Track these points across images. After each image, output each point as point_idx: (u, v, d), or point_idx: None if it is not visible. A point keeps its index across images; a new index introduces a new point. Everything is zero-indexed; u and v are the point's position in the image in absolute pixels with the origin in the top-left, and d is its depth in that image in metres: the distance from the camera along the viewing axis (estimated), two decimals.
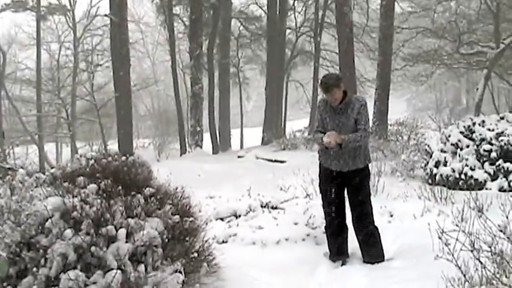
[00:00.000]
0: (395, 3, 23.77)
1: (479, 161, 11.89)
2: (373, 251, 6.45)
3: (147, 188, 5.14)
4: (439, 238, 4.58)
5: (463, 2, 28.41)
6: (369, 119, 6.44)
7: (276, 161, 20.51)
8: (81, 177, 5.17)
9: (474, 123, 12.52)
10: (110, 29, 26.56)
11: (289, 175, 14.39)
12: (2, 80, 28.00)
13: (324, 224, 6.89)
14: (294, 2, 34.72)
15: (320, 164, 6.73)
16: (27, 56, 39.31)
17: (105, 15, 27.68)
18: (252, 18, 36.10)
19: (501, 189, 11.07)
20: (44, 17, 33.03)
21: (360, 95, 6.96)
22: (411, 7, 30.03)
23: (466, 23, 27.13)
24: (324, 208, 6.75)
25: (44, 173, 5.66)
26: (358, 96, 6.69)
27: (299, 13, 35.78)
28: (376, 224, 6.54)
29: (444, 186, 11.17)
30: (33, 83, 32.86)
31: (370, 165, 6.65)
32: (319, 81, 6.41)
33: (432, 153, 12.96)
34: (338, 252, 6.67)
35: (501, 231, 4.28)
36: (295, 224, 7.91)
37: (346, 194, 6.61)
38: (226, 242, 7.60)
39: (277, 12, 30.99)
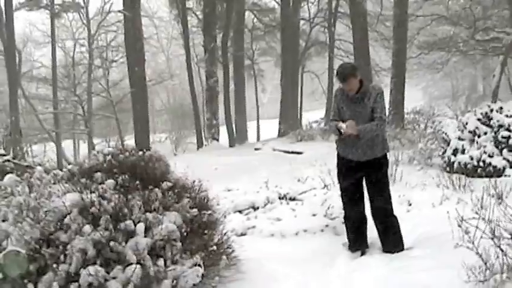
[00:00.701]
0: None
1: (497, 147, 11.79)
2: (392, 241, 6.42)
3: (165, 182, 5.14)
4: (459, 226, 4.56)
5: None
6: (385, 108, 6.39)
7: (292, 152, 20.48)
8: (99, 173, 5.18)
9: (492, 110, 12.42)
10: (123, 24, 26.61)
11: (306, 166, 14.39)
12: (19, 78, 28.14)
13: (343, 215, 6.86)
14: None
15: (338, 154, 6.69)
16: (42, 54, 39.56)
17: (119, 11, 27.76)
18: (265, 10, 36.03)
19: None
20: (58, 15, 33.23)
21: (376, 84, 6.88)
22: None
23: (481, 9, 26.90)
24: (342, 199, 6.73)
25: (61, 170, 5.68)
26: (374, 85, 6.65)
27: (312, 3, 35.68)
28: (394, 213, 6.50)
29: (462, 174, 11.10)
30: (49, 80, 33.09)
31: (388, 154, 6.61)
32: (336, 71, 6.37)
33: (450, 141, 12.88)
34: (357, 243, 6.64)
35: None
36: (314, 215, 7.89)
37: (364, 184, 6.57)
38: (244, 234, 7.59)
39: (291, 4, 30.87)
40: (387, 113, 22.04)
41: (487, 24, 26.55)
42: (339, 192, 6.79)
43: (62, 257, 4.21)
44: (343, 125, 6.19)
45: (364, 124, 6.22)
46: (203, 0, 29.60)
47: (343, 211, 6.85)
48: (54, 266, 4.15)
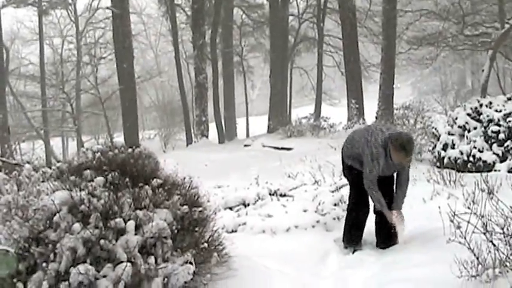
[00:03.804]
0: None
1: (487, 142, 11.83)
2: (388, 235, 6.41)
3: (155, 179, 5.10)
4: (451, 221, 4.55)
5: None
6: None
7: (282, 148, 20.49)
8: (88, 171, 5.14)
9: (481, 105, 12.46)
10: (112, 21, 26.63)
11: (296, 162, 14.40)
12: (6, 76, 28.04)
13: (350, 210, 6.78)
14: None
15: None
16: (30, 52, 39.46)
17: (107, 8, 27.72)
18: (254, 6, 36.05)
19: (510, 171, 11.02)
20: (46, 12, 33.07)
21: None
22: None
23: (469, 4, 26.96)
24: (351, 195, 6.71)
25: (50, 168, 5.64)
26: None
27: None
28: None
29: (453, 169, 11.10)
30: (37, 78, 33.00)
31: None
32: (408, 142, 6.15)
33: (439, 136, 12.92)
34: (355, 239, 6.65)
35: None
36: (305, 211, 7.88)
37: None
38: (235, 231, 7.58)
39: (279, 0, 30.83)
40: (376, 109, 22.22)
41: (475, 19, 26.61)
42: (330, 188, 6.77)
43: (51, 255, 4.16)
44: (393, 219, 6.26)
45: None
46: None
47: (351, 207, 6.78)
48: (44, 265, 4.11)
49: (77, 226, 4.22)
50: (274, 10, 30.49)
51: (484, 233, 4.35)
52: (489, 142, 11.82)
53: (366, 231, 6.61)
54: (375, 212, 6.51)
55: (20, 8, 33.86)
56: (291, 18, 34.31)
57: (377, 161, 6.14)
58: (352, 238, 6.73)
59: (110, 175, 4.96)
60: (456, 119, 12.58)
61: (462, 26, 25.48)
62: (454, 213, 4.54)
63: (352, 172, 6.61)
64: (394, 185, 6.53)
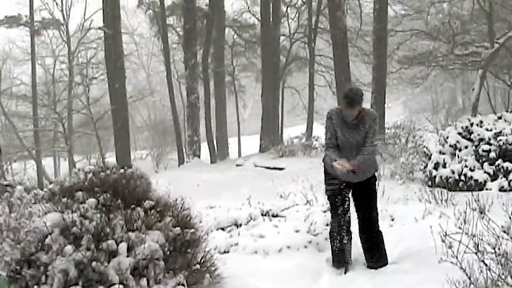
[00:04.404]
0: (388, 7, 23.84)
1: (478, 161, 11.86)
2: (376, 256, 6.42)
3: (147, 201, 5.10)
4: (442, 241, 4.56)
5: (455, 3, 28.41)
6: (376, 132, 6.39)
7: (274, 168, 20.47)
8: (80, 192, 5.13)
9: (472, 124, 12.51)
10: (104, 41, 26.68)
11: (288, 182, 14.38)
12: None
13: (329, 231, 6.84)
14: (287, 9, 34.86)
15: (325, 171, 6.68)
16: (22, 72, 39.39)
17: (99, 28, 27.79)
18: (245, 26, 36.20)
19: (501, 189, 11.03)
20: (38, 32, 33.12)
21: (371, 109, 6.86)
22: (404, 10, 30.12)
23: (459, 24, 27.18)
24: (331, 216, 6.71)
25: (42, 189, 5.63)
26: (369, 110, 6.61)
27: (292, 19, 35.96)
28: (379, 228, 6.52)
29: (444, 188, 11.15)
30: (29, 98, 32.92)
31: (376, 172, 6.64)
32: (345, 94, 6.30)
33: (431, 155, 12.95)
34: (342, 259, 6.62)
35: (504, 232, 4.27)
36: (297, 231, 7.86)
37: (352, 200, 6.57)
38: (228, 251, 7.55)
39: (271, 20, 30.92)
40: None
41: (465, 38, 26.85)
42: (322, 208, 6.78)
43: (43, 278, 4.16)
44: (337, 166, 6.15)
45: (358, 148, 6.28)
46: (183, 16, 29.64)
47: (328, 227, 6.84)
48: (36, 287, 4.10)
49: (68, 248, 4.21)
50: (265, 30, 30.59)
51: (476, 253, 4.36)
52: (480, 161, 11.85)
53: (357, 251, 6.60)
54: (361, 234, 6.51)
55: (13, 28, 33.97)
56: (282, 38, 34.42)
57: (328, 130, 6.47)
58: (332, 253, 6.77)
59: (102, 196, 4.95)
60: (447, 138, 12.62)
61: (452, 45, 25.69)
62: (446, 233, 4.56)
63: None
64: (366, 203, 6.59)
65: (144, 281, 4.30)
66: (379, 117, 19.18)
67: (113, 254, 4.31)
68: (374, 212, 6.48)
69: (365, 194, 6.47)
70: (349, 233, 6.60)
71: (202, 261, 5.25)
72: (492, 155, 11.72)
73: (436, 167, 12.50)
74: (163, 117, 42.47)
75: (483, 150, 11.84)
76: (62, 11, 33.12)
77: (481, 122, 12.58)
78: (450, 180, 11.90)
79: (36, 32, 32.10)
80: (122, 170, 5.98)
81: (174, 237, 4.86)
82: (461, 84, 41.78)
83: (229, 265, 5.93)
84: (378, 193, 10.31)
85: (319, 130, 31.23)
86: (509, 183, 11.18)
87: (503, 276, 4.19)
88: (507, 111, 16.59)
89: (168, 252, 4.66)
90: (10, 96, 36.32)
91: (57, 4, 33.13)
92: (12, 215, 4.76)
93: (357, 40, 30.94)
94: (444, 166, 12.29)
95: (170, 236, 4.82)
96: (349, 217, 6.57)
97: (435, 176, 12.36)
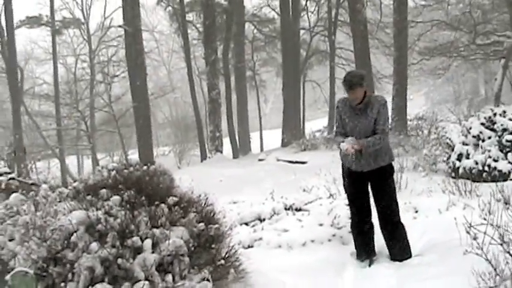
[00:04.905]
0: None
1: (502, 151, 11.76)
2: (400, 248, 6.39)
3: (171, 197, 5.12)
4: (467, 232, 4.54)
5: None
6: (388, 119, 6.35)
7: (297, 162, 20.43)
8: (104, 190, 5.17)
9: (495, 114, 12.39)
10: (124, 39, 26.80)
11: (311, 176, 14.37)
12: (21, 96, 28.26)
13: (350, 224, 6.84)
14: (306, 2, 34.68)
15: (342, 164, 6.68)
16: (44, 71, 39.81)
17: (119, 26, 27.95)
18: (265, 20, 36.10)
19: None
20: (59, 32, 33.37)
21: (380, 95, 6.85)
22: (424, 0, 29.84)
23: (480, 13, 26.91)
24: (349, 208, 6.72)
25: (66, 187, 5.67)
26: (377, 95, 6.61)
27: (312, 13, 35.77)
28: (401, 220, 6.48)
29: (468, 179, 11.03)
30: (52, 97, 33.23)
31: (393, 162, 6.58)
32: (343, 78, 6.33)
33: (454, 146, 12.86)
34: (365, 252, 6.61)
35: None
36: (320, 225, 7.86)
37: (371, 192, 6.55)
38: (252, 246, 7.56)
39: (290, 13, 30.84)
40: (390, 121, 22.17)
41: (487, 28, 26.56)
42: (346, 202, 6.78)
43: (69, 275, 4.19)
44: (344, 145, 6.16)
45: (367, 136, 6.22)
46: (203, 12, 29.66)
47: (349, 220, 6.84)
48: (62, 284, 4.14)
49: (94, 245, 4.24)
50: (285, 24, 30.51)
51: (501, 244, 4.34)
52: (504, 151, 11.74)
53: (381, 243, 6.58)
54: (382, 227, 6.49)
55: (34, 29, 34.24)
56: (302, 31, 34.33)
57: (338, 115, 6.58)
58: (356, 246, 6.78)
59: (126, 194, 4.98)
60: (470, 128, 12.52)
61: (474, 35, 25.45)
62: (470, 224, 4.53)
63: None
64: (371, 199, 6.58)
65: (169, 277, 4.32)
66: (401, 108, 18.95)
67: (138, 250, 4.34)
68: (393, 204, 6.41)
69: (381, 185, 6.42)
70: (370, 225, 6.60)
71: (226, 256, 5.26)
72: None
73: (459, 158, 12.41)
74: (184, 114, 42.55)
75: (507, 141, 11.73)
76: (82, 10, 33.41)
77: (504, 112, 12.46)
78: (474, 171, 11.81)
79: (57, 31, 32.36)
80: (145, 167, 6.02)
81: (198, 233, 4.88)
82: (484, 74, 41.35)
83: (253, 260, 5.95)
84: (401, 185, 10.37)
85: None
86: None
87: None
88: None
89: (192, 248, 4.68)
90: (33, 96, 36.68)
91: (77, 3, 33.44)
92: (38, 214, 4.79)
93: (377, 32, 30.79)
94: (467, 157, 12.20)
95: (194, 231, 4.84)
96: (369, 209, 6.56)
97: (458, 167, 12.27)
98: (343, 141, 6.20)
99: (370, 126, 6.23)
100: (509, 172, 11.39)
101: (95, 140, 32.41)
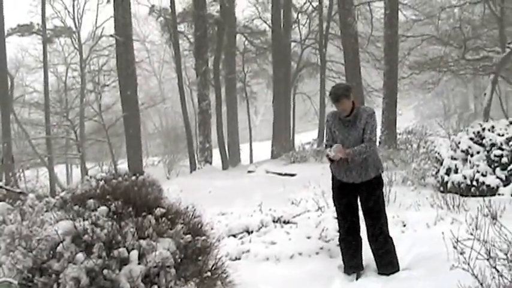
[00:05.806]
0: (399, 12, 23.83)
1: (490, 166, 11.80)
2: (387, 262, 6.40)
3: (158, 208, 5.11)
4: (454, 247, 4.54)
5: (466, 8, 28.29)
6: (375, 128, 6.40)
7: (286, 174, 20.42)
8: (92, 200, 5.15)
9: (484, 129, 12.45)
10: (115, 49, 26.73)
11: (300, 188, 14.37)
12: (11, 103, 28.18)
13: (338, 237, 6.84)
14: (298, 15, 34.87)
15: (332, 176, 6.69)
16: (34, 79, 39.72)
17: (111, 36, 27.92)
18: (256, 32, 36.20)
19: None
20: (50, 40, 33.32)
21: (368, 106, 6.93)
22: (415, 15, 30.08)
23: (470, 29, 27.08)
24: (338, 220, 6.72)
25: (54, 196, 5.65)
26: (365, 106, 6.68)
27: (303, 25, 35.95)
28: (389, 234, 6.48)
29: (456, 193, 11.05)
30: (42, 105, 33.12)
31: (382, 174, 6.60)
32: (329, 92, 6.41)
33: (442, 160, 12.90)
34: (353, 265, 6.61)
35: None
36: (308, 238, 7.86)
37: (360, 205, 6.55)
38: (239, 258, 7.54)
39: (282, 26, 30.97)
40: (379, 134, 22.23)
41: (477, 43, 26.74)
42: (334, 214, 6.78)
43: (55, 286, 4.17)
44: (330, 153, 6.20)
45: (355, 146, 6.24)
46: (194, 23, 29.72)
47: (337, 233, 6.84)
48: None
49: (80, 256, 4.23)
50: (276, 36, 30.63)
51: (488, 259, 4.35)
52: (492, 166, 11.79)
53: (369, 257, 6.58)
54: (370, 240, 6.49)
55: (25, 37, 34.17)
56: (293, 44, 34.50)
57: (327, 128, 6.64)
58: (343, 259, 6.76)
59: (113, 204, 4.97)
60: (459, 143, 12.56)
61: (463, 50, 25.59)
62: (457, 239, 4.54)
63: None
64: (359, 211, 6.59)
65: None
66: (391, 122, 19.10)
67: (124, 261, 4.32)
68: (382, 217, 6.43)
69: (370, 197, 6.42)
70: (358, 239, 6.60)
71: (213, 268, 5.25)
72: (504, 160, 11.66)
73: (448, 172, 12.45)
74: (175, 124, 42.55)
75: (495, 156, 11.78)
76: (73, 19, 33.27)
77: (493, 127, 12.51)
78: (462, 185, 11.85)
79: (48, 40, 32.27)
80: (133, 177, 6.01)
81: (185, 244, 4.87)
82: (473, 89, 41.66)
83: (241, 272, 5.93)
84: (390, 199, 10.39)
85: None
86: None
87: None
88: None
89: (179, 260, 4.67)
90: (23, 104, 36.60)
91: (69, 12, 33.30)
92: (24, 223, 4.77)
93: (368, 46, 30.96)
94: (456, 171, 12.24)
95: (181, 243, 4.83)
96: (357, 223, 6.57)
97: (447, 182, 12.31)
98: (329, 150, 6.23)
99: (360, 137, 6.28)
100: (498, 187, 11.43)
101: (85, 149, 32.28)
